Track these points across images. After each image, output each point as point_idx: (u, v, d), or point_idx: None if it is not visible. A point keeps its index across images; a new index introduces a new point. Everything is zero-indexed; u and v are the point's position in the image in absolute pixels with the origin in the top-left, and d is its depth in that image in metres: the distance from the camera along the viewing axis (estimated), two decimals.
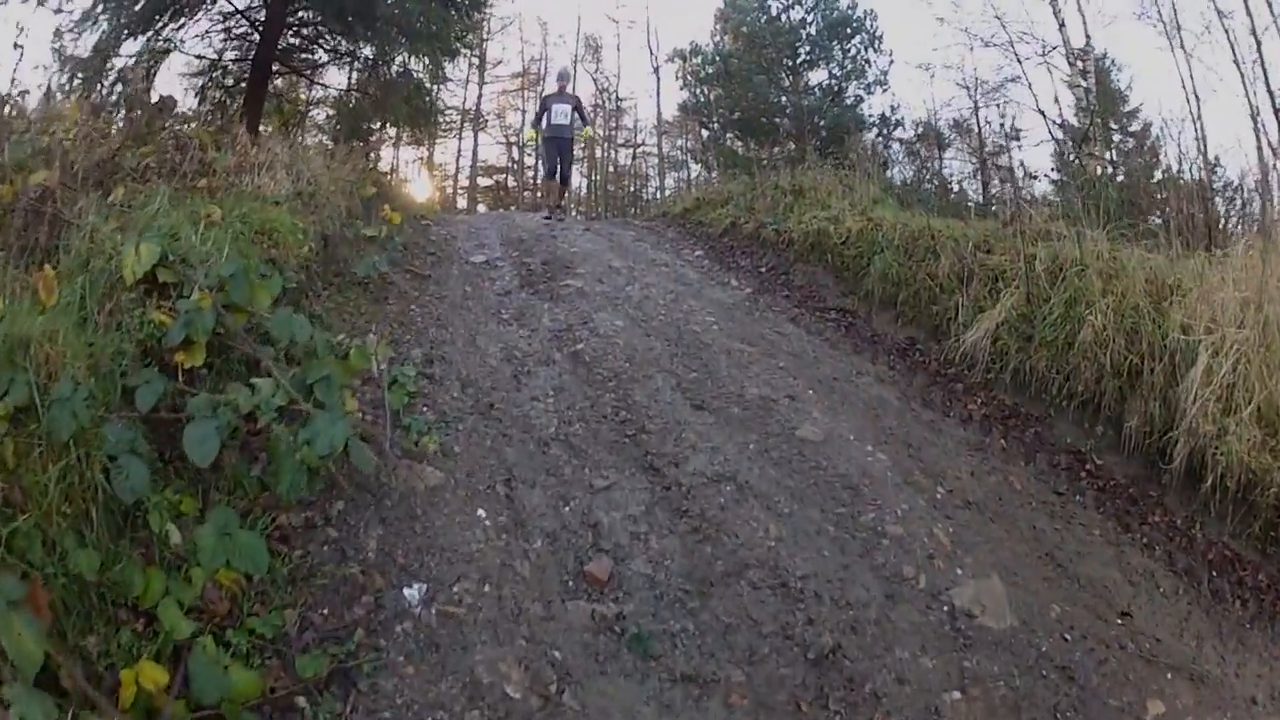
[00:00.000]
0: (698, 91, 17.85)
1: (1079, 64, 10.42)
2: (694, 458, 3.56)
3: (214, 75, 8.46)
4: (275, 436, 2.36)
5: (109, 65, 7.83)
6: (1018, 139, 17.29)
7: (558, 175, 9.38)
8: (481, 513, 2.94)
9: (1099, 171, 9.44)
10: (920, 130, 18.31)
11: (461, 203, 27.21)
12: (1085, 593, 3.13)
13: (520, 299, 5.66)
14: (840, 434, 4.18)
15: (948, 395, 4.99)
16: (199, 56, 8.34)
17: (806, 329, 6.03)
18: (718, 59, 16.35)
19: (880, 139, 18.34)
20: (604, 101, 30.18)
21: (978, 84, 17.59)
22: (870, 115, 17.82)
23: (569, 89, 9.36)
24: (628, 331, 4.85)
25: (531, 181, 28.71)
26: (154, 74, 8.26)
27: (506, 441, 3.36)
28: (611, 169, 30.67)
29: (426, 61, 7.07)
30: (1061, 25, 10.21)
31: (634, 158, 31.58)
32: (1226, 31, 9.48)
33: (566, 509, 3.07)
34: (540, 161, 10.59)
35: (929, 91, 21.49)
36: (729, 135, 18.10)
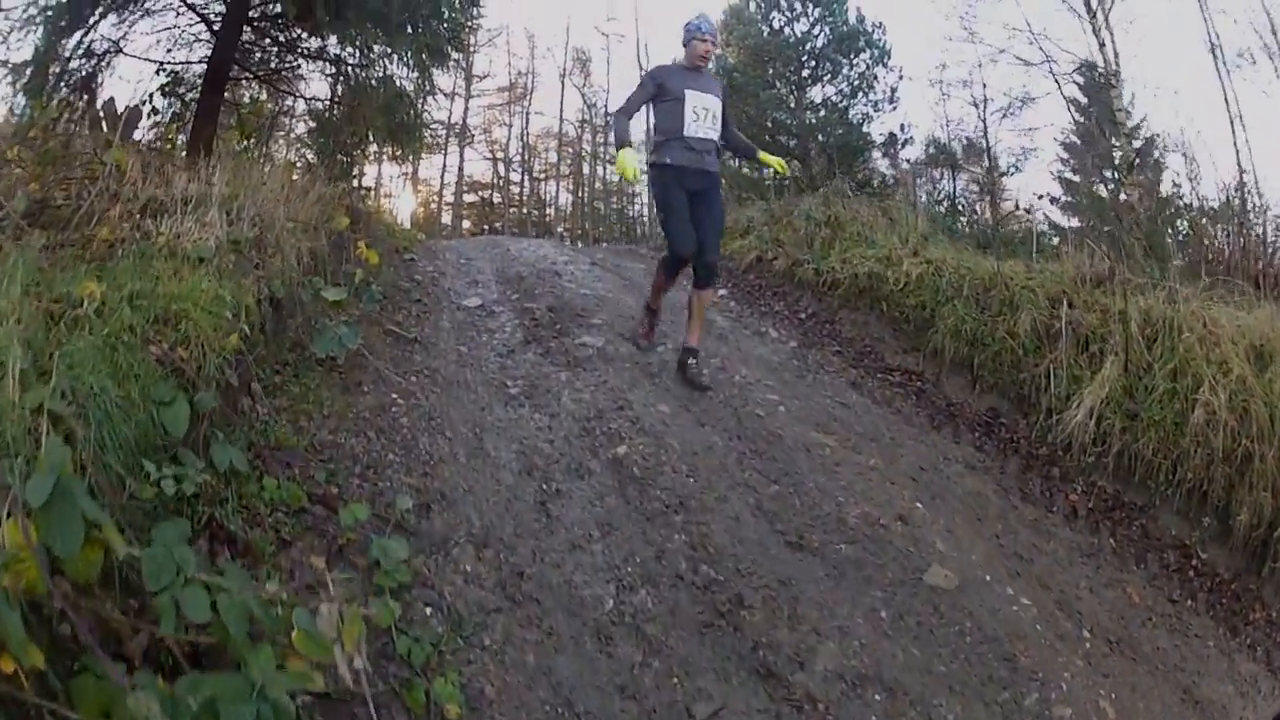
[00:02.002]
0: None
1: (1113, 88, 9.52)
2: (820, 648, 2.37)
3: (166, 84, 7.10)
4: None
5: (50, 71, 6.48)
6: (1025, 159, 16.53)
7: (695, 252, 3.96)
8: None
9: (1139, 202, 8.47)
10: (931, 150, 17.49)
11: (446, 219, 25.87)
12: None
13: (529, 362, 4.44)
14: (972, 573, 3.15)
15: (1046, 484, 4.11)
16: (147, 59, 6.98)
17: (872, 397, 4.90)
18: (719, 72, 15.29)
19: (887, 159, 17.47)
20: (592, 117, 29.15)
21: (986, 102, 16.82)
22: (878, 134, 16.91)
23: (709, 69, 4.21)
24: (677, 421, 3.65)
25: (517, 198, 27.52)
26: (97, 80, 6.91)
27: (554, 645, 2.13)
28: (599, 185, 29.58)
29: (411, 66, 5.83)
30: (1102, 45, 9.29)
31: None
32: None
33: None
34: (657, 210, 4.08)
35: (940, 110, 20.47)
36: (726, 154, 17.08)
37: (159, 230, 2.76)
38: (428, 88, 6.76)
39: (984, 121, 17.15)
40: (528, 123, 27.50)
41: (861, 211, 7.40)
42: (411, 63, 5.70)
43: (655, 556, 2.66)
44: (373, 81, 5.99)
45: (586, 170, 29.92)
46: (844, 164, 17.18)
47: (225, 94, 7.02)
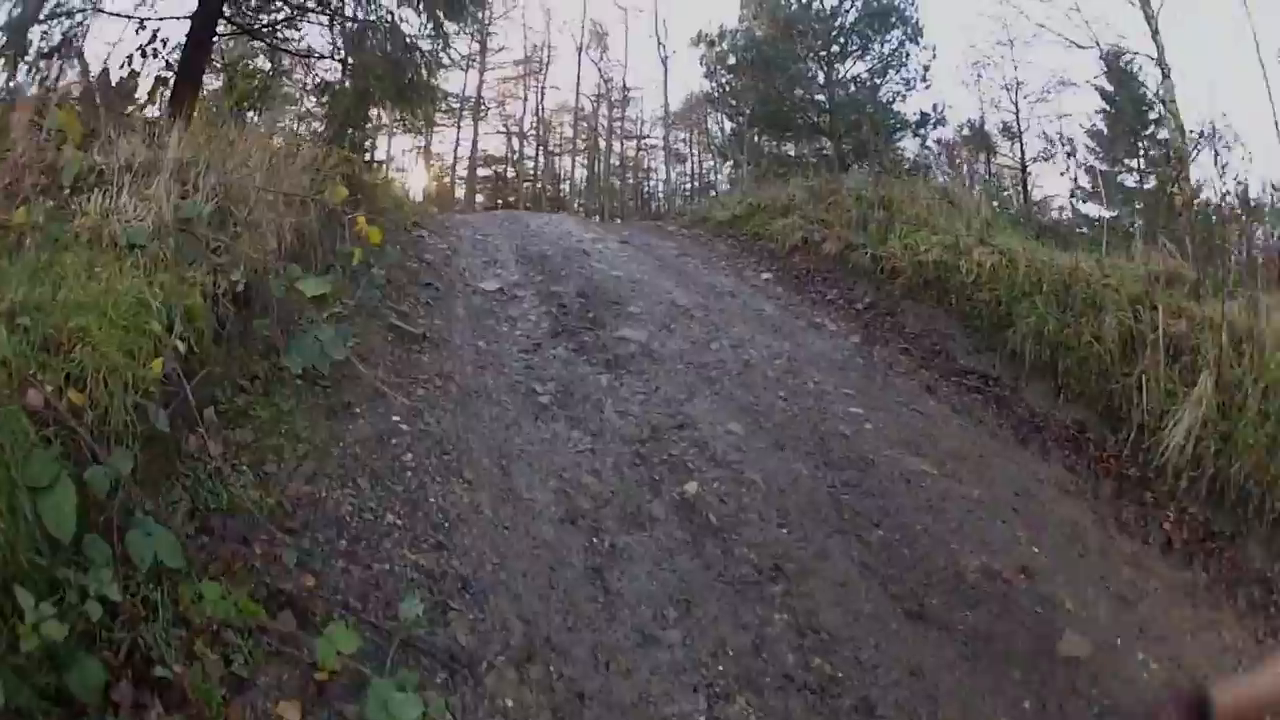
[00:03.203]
0: (724, 80, 15.75)
1: (1164, 79, 8.52)
2: None
3: (148, 44, 6.28)
4: None
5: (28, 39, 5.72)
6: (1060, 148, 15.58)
7: None
8: None
9: (1194, 200, 7.61)
10: (966, 132, 16.47)
11: (459, 193, 24.95)
12: None
13: (560, 360, 3.71)
14: (1099, 634, 2.55)
15: (1140, 511, 3.63)
16: (125, 16, 6.17)
17: (950, 404, 4.17)
18: (747, 45, 14.31)
19: (918, 139, 16.46)
20: (609, 91, 27.95)
21: (1018, 87, 15.80)
22: (908, 113, 15.88)
23: None
24: (752, 444, 2.90)
25: (531, 172, 26.56)
26: (76, 40, 6.13)
27: None
28: (616, 161, 28.51)
29: (423, 15, 5.00)
30: (1155, 33, 8.27)
31: (638, 150, 29.47)
32: None
33: None
34: None
35: (974, 91, 19.19)
36: (753, 130, 16.07)
37: (83, 209, 2.02)
38: (441, 44, 5.92)
39: (1016, 105, 16.17)
40: (543, 97, 26.44)
41: (919, 192, 6.56)
42: (423, 11, 4.87)
43: (753, 646, 1.94)
44: (378, 34, 5.17)
45: (602, 145, 28.84)
46: (877, 144, 16.18)
47: (212, 54, 6.22)
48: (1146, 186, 14.95)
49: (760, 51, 14.26)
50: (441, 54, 6.05)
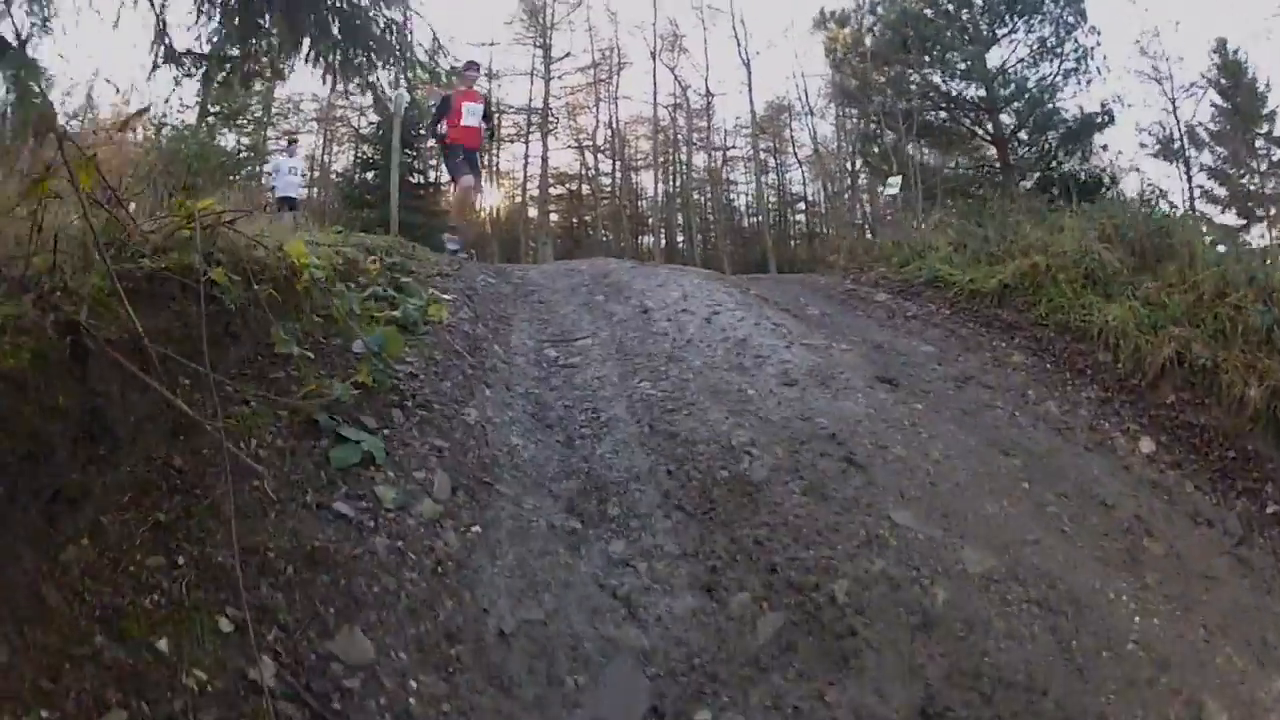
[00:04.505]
0: (856, 67, 12.24)
1: None
2: None
3: None
4: None
5: None
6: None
7: None
8: None
9: None
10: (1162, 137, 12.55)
11: (532, 213, 22.22)
12: None
13: None
14: None
15: None
16: None
17: None
18: (900, 19, 10.80)
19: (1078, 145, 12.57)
20: (687, 100, 24.70)
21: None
22: (1070, 111, 12.06)
23: None
24: None
25: (608, 189, 23.67)
26: None
27: None
28: (697, 174, 25.21)
29: None
30: None
31: (722, 161, 26.11)
32: None
33: None
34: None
35: (1163, 87, 14.83)
36: (885, 131, 12.46)
37: None
38: None
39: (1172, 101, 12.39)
40: (616, 107, 23.50)
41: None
42: None
43: None
44: None
45: (683, 158, 25.62)
46: (1054, 151, 12.33)
47: None
48: None
49: (918, 27, 10.70)
50: None
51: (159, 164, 4.56)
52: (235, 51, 5.09)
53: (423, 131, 10.97)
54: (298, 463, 1.68)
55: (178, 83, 5.22)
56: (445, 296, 3.24)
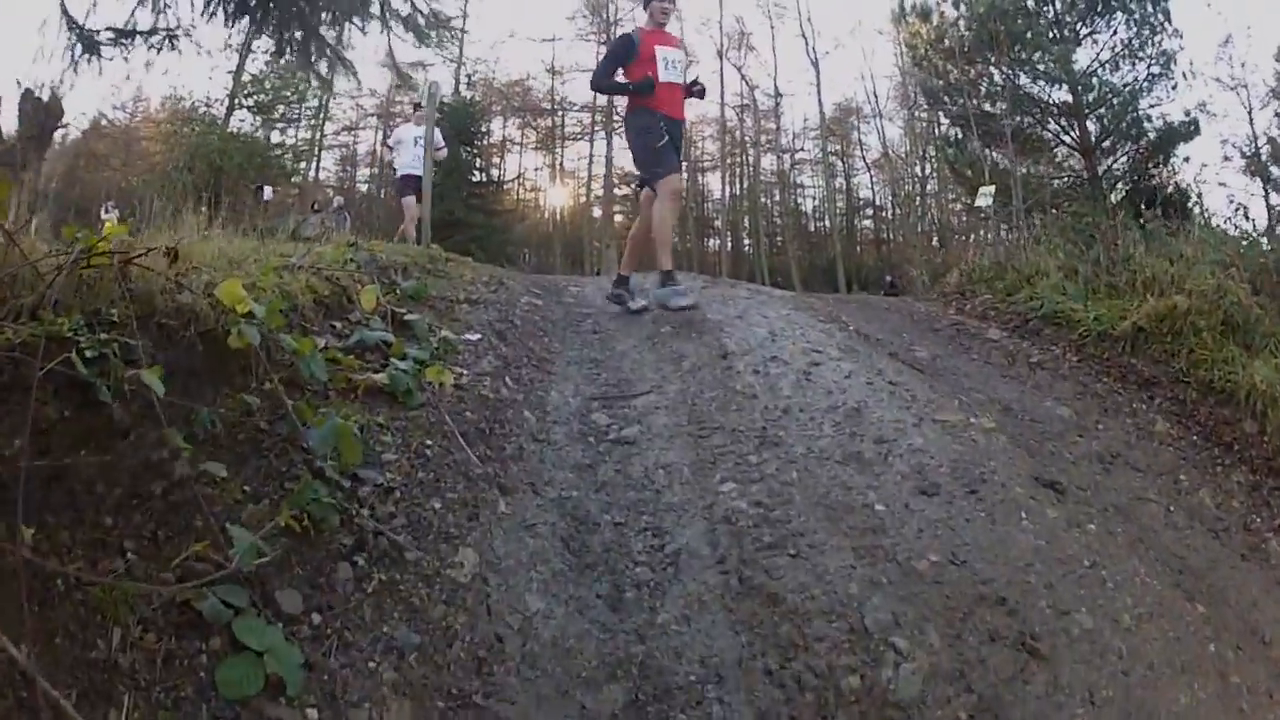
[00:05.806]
0: (938, 65, 10.95)
1: None
2: None
3: None
4: None
5: None
6: None
7: None
8: None
9: None
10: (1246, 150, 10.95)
11: (596, 212, 21.59)
12: None
13: None
14: None
15: None
16: None
17: None
18: (987, 12, 9.61)
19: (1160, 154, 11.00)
20: (752, 101, 23.62)
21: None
22: (1156, 118, 10.56)
23: None
24: None
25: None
26: None
27: None
28: (765, 177, 24.07)
29: None
30: None
31: (792, 163, 24.88)
32: None
33: None
34: None
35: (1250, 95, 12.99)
36: (971, 135, 11.14)
37: None
38: None
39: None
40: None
41: None
42: None
43: None
44: None
45: (750, 159, 24.52)
46: (1144, 162, 10.84)
47: None
48: None
49: (1007, 22, 9.36)
50: None
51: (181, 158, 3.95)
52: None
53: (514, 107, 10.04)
54: (171, 683, 0.95)
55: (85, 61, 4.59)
56: (468, 335, 2.48)
